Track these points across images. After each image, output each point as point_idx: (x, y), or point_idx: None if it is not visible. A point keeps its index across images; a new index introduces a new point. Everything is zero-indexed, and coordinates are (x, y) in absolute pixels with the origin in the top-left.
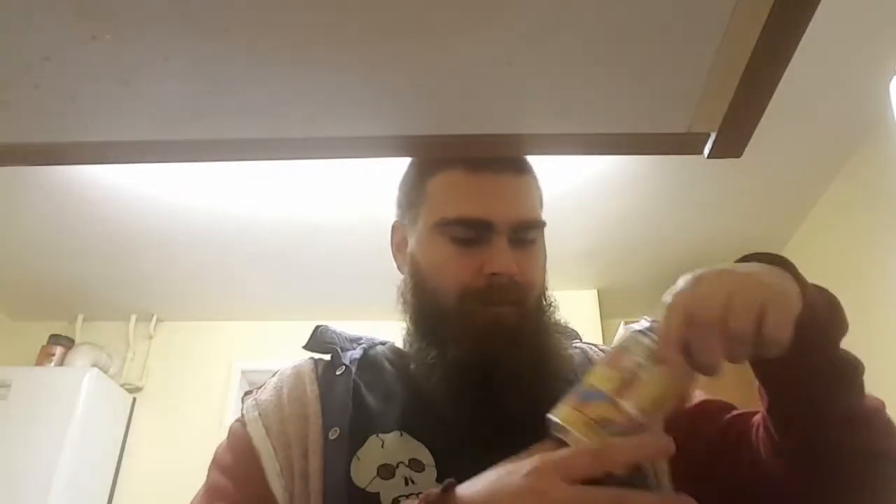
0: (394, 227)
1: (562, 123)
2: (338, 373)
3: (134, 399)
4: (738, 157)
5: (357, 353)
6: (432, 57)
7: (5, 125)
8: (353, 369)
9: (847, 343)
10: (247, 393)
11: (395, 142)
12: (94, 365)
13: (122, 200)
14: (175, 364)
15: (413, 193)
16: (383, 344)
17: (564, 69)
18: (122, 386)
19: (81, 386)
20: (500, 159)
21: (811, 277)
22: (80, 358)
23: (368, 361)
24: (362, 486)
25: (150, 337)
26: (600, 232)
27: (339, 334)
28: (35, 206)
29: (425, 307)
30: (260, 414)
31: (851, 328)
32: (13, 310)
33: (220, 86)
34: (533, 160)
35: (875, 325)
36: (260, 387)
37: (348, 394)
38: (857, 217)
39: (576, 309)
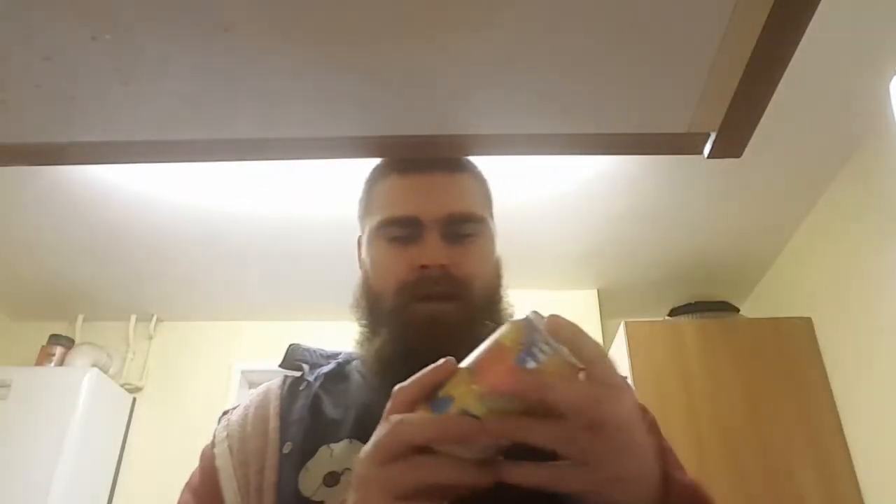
0: (357, 242)
1: (562, 124)
2: (301, 388)
3: (134, 399)
4: (738, 157)
5: (329, 367)
6: (432, 56)
7: (5, 125)
8: (318, 383)
9: (848, 341)
10: (224, 412)
11: (395, 142)
12: (94, 365)
13: (122, 201)
14: (175, 364)
15: (362, 205)
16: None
17: (565, 69)
18: (122, 386)
19: (81, 386)
20: (433, 160)
21: (812, 277)
22: (80, 358)
23: (340, 375)
24: (308, 495)
25: (150, 337)
26: (600, 232)
27: (314, 351)
28: (35, 206)
29: (371, 307)
30: (227, 434)
31: (852, 327)
32: (13, 310)
33: (219, 86)
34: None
35: (876, 325)
36: (237, 406)
37: (305, 408)
38: (858, 217)
39: (576, 309)
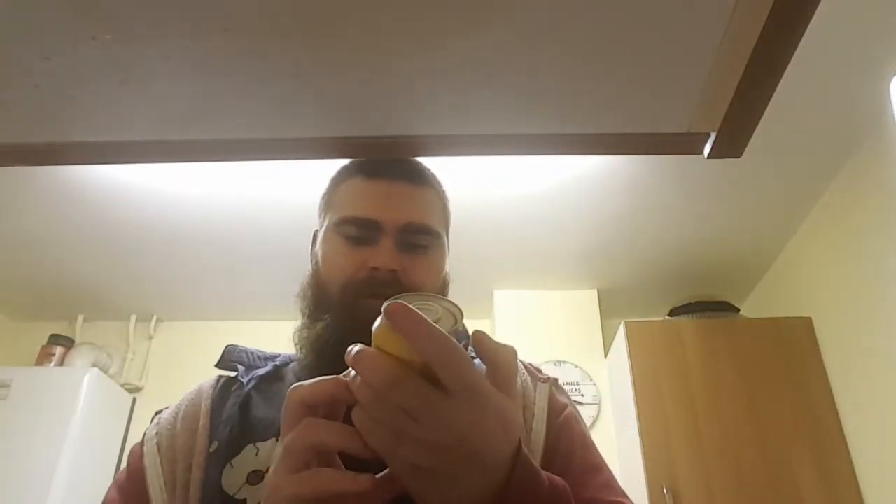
0: (314, 234)
1: (562, 124)
2: (233, 388)
3: (134, 399)
4: (738, 157)
5: (265, 369)
6: (432, 58)
7: (5, 125)
8: (251, 384)
9: (848, 341)
10: (157, 412)
11: (395, 142)
12: (94, 365)
13: (122, 201)
14: (175, 364)
15: (324, 200)
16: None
17: (564, 69)
18: (122, 386)
19: (81, 386)
20: (400, 170)
21: (811, 278)
22: (80, 358)
23: (276, 376)
24: (231, 493)
25: (150, 337)
26: (600, 232)
27: (252, 353)
28: (35, 206)
29: (317, 298)
30: (157, 433)
31: (852, 327)
32: (13, 310)
33: (219, 86)
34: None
35: (876, 325)
36: (169, 406)
37: (235, 407)
38: (857, 217)
39: (576, 309)
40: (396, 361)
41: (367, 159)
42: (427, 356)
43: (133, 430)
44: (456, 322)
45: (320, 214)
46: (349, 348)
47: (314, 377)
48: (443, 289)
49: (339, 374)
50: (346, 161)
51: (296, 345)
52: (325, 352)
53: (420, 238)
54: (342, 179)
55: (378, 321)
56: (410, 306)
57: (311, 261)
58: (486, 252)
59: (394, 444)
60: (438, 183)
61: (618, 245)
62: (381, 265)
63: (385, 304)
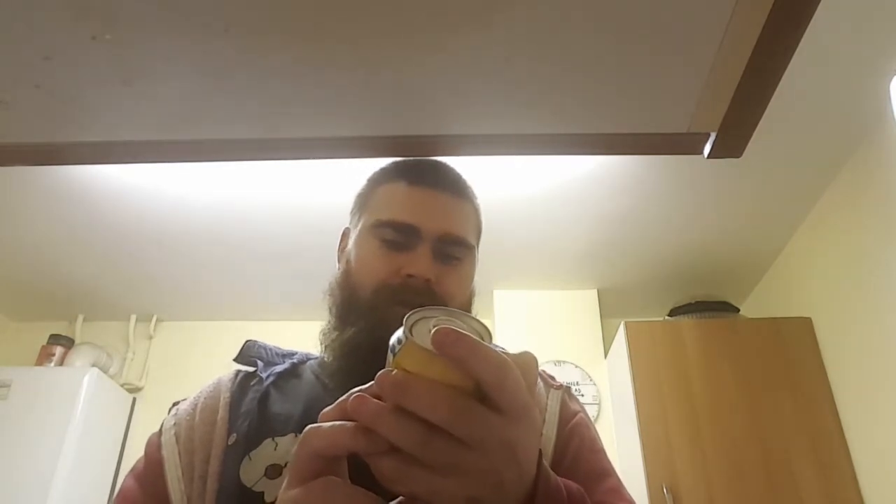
0: (343, 232)
1: (562, 123)
2: (252, 383)
3: (134, 399)
4: (738, 157)
5: (283, 366)
6: (431, 56)
7: (5, 125)
8: (270, 380)
9: (848, 341)
10: (175, 403)
11: (395, 142)
12: (94, 365)
13: (122, 201)
14: (175, 364)
15: (361, 200)
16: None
17: (564, 69)
18: (122, 386)
19: (81, 386)
20: (442, 180)
21: (811, 278)
22: (80, 358)
23: (294, 373)
24: (249, 485)
25: (150, 337)
26: (600, 232)
27: (270, 350)
28: (35, 206)
29: (345, 298)
30: (175, 423)
31: (852, 327)
32: (13, 310)
33: (220, 86)
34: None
35: (876, 325)
36: (187, 398)
37: (254, 402)
38: (858, 217)
39: (576, 309)
40: (451, 388)
41: (409, 165)
42: (484, 379)
43: (133, 430)
44: (482, 341)
45: (354, 213)
46: (380, 377)
47: (340, 381)
48: (470, 300)
49: (367, 380)
50: (384, 162)
51: (321, 344)
52: (354, 357)
53: (455, 249)
54: (382, 182)
55: (396, 341)
56: (461, 331)
57: (341, 259)
58: (486, 252)
59: (442, 483)
60: (475, 196)
61: (618, 245)
62: (416, 273)
63: (408, 316)
